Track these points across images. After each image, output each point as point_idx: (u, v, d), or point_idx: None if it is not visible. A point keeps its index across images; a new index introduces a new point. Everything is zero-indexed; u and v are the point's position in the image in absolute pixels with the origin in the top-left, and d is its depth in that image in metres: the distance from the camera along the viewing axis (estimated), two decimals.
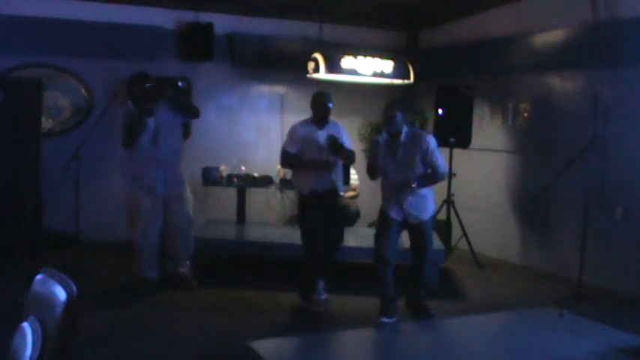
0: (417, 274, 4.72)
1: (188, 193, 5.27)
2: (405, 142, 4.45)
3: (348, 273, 5.90)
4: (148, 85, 5.02)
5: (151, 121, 4.92)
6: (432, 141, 4.48)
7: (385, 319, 4.53)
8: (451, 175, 6.47)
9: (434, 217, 4.81)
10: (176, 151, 5.13)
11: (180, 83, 5.16)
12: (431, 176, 4.51)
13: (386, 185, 4.61)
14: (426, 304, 4.74)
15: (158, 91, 4.98)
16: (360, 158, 7.80)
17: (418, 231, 4.60)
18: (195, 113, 5.25)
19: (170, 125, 5.05)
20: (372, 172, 4.58)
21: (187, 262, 5.24)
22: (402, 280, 4.74)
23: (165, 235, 5.17)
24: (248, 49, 7.37)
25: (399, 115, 4.43)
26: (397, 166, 4.46)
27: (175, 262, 5.22)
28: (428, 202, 4.60)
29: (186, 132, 5.41)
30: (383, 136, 4.48)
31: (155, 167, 4.98)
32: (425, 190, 4.53)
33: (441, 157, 4.52)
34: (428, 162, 4.45)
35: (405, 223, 4.59)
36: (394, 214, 4.54)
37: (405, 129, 4.47)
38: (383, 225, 4.64)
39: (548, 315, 4.86)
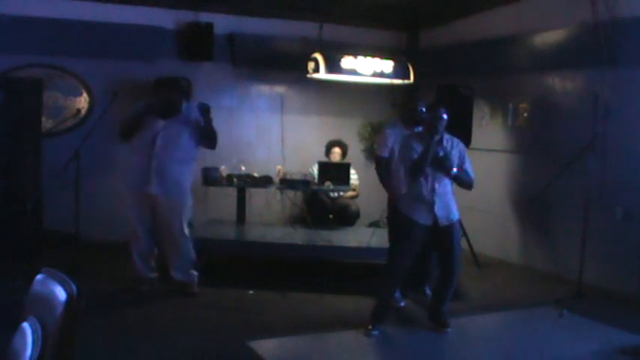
0: (445, 288, 4.48)
1: (186, 206, 5.06)
2: (446, 145, 4.38)
3: (347, 273, 5.92)
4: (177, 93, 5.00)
5: (160, 123, 4.90)
6: (465, 148, 4.50)
7: (374, 332, 4.41)
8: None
9: (460, 222, 4.63)
10: (177, 159, 4.95)
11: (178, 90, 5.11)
12: (464, 176, 4.41)
13: (417, 188, 4.37)
14: (446, 320, 4.49)
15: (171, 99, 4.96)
16: (361, 158, 7.85)
17: (448, 234, 4.40)
18: (210, 144, 5.02)
19: (177, 131, 4.93)
20: (419, 171, 4.30)
21: (192, 272, 5.13)
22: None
23: (158, 237, 5.14)
24: (248, 49, 7.37)
25: (447, 118, 4.31)
26: (436, 169, 4.31)
27: (169, 267, 5.12)
28: (454, 203, 4.48)
29: (205, 139, 5.00)
30: (437, 137, 4.28)
31: (149, 167, 4.89)
32: (450, 192, 4.44)
33: (470, 166, 4.47)
34: (462, 168, 4.40)
35: (433, 229, 4.38)
36: (423, 219, 4.35)
37: (444, 133, 4.40)
38: (405, 232, 4.42)
39: (548, 315, 4.86)
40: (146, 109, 4.93)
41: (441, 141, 4.36)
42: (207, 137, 5.00)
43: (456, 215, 4.48)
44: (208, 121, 4.93)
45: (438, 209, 4.35)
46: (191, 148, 5.04)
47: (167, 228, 5.02)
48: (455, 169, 4.33)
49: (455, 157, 4.37)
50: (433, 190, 4.35)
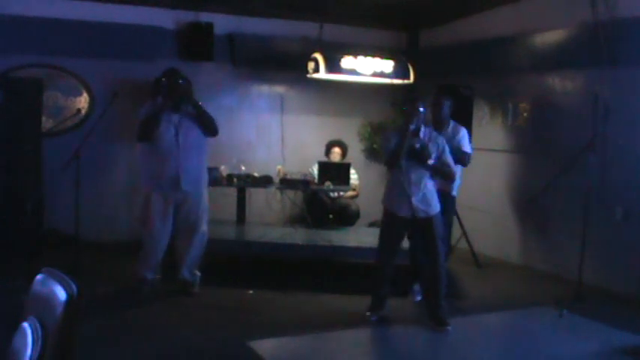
0: (434, 283, 4.55)
1: (205, 197, 5.17)
2: (424, 139, 4.49)
3: (347, 273, 5.91)
4: (178, 80, 4.97)
5: (175, 117, 4.92)
6: (444, 141, 4.60)
7: (373, 318, 4.60)
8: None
9: (441, 214, 4.65)
10: (198, 150, 5.02)
11: (181, 81, 5.10)
12: (444, 167, 4.53)
13: (395, 181, 4.56)
14: (445, 319, 4.51)
15: (181, 88, 4.95)
16: (361, 158, 7.85)
17: (428, 227, 4.51)
18: (212, 131, 5.07)
19: (191, 122, 4.97)
20: (394, 160, 4.47)
21: (196, 272, 5.16)
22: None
23: (175, 236, 5.14)
24: (248, 49, 7.36)
25: (424, 111, 4.48)
26: (412, 161, 4.46)
27: (181, 266, 5.13)
28: (434, 197, 4.56)
29: (204, 127, 5.03)
30: (412, 127, 4.43)
31: (174, 163, 4.90)
32: (430, 186, 4.53)
33: (450, 158, 4.59)
34: (442, 160, 4.51)
35: (413, 221, 4.53)
36: (402, 212, 4.50)
37: (423, 126, 4.52)
38: (389, 226, 4.64)
39: (548, 315, 4.86)
40: (159, 109, 4.90)
41: (417, 133, 4.46)
42: (205, 125, 5.01)
43: (436, 208, 4.55)
44: (198, 107, 4.95)
45: (415, 201, 4.46)
46: (204, 138, 5.09)
47: (190, 223, 5.05)
48: (431, 161, 4.43)
49: (432, 149, 4.46)
50: (410, 182, 4.46)
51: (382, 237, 4.68)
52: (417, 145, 4.45)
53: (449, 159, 4.55)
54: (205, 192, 5.20)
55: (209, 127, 5.04)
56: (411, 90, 7.17)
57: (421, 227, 4.56)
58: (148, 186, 5.06)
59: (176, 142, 4.91)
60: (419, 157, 4.44)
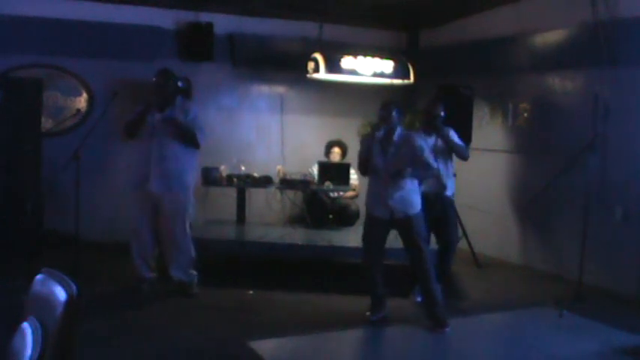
0: (426, 281, 4.56)
1: (188, 199, 5.07)
2: (398, 142, 4.51)
3: (347, 273, 5.91)
4: (167, 80, 4.95)
5: (157, 116, 4.90)
6: (420, 141, 4.59)
7: (373, 318, 4.61)
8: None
9: (421, 213, 4.64)
10: (176, 153, 4.94)
11: (180, 83, 5.10)
12: (422, 170, 4.54)
13: (373, 183, 4.63)
14: (443, 319, 4.48)
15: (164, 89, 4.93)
16: None
17: (406, 227, 4.53)
18: (193, 146, 4.99)
19: (172, 126, 4.93)
20: (364, 166, 4.60)
21: (192, 272, 5.13)
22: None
23: (159, 236, 5.14)
24: (248, 49, 7.37)
25: (394, 114, 4.49)
26: (387, 164, 4.50)
27: (169, 265, 5.11)
28: (413, 197, 4.56)
29: (183, 139, 4.94)
30: (380, 133, 4.49)
31: (148, 164, 4.88)
32: (410, 186, 4.53)
33: (431, 155, 4.60)
34: (420, 161, 4.50)
35: (392, 222, 4.56)
36: (380, 213, 4.54)
37: (398, 129, 4.54)
38: (369, 227, 4.67)
39: (548, 315, 4.86)
40: (145, 107, 4.90)
41: (391, 135, 4.49)
42: (184, 140, 4.94)
43: (415, 208, 4.56)
44: (177, 124, 4.90)
45: (393, 202, 4.49)
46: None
47: (169, 226, 5.01)
48: (408, 170, 4.42)
49: (406, 154, 4.47)
50: (386, 184, 4.49)
51: (365, 238, 4.71)
52: (392, 149, 4.47)
53: (427, 157, 4.53)
54: (188, 194, 5.07)
55: (189, 142, 4.96)
56: (412, 90, 7.17)
57: (401, 227, 4.59)
58: (129, 183, 5.11)
59: (150, 142, 4.89)
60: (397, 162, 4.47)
